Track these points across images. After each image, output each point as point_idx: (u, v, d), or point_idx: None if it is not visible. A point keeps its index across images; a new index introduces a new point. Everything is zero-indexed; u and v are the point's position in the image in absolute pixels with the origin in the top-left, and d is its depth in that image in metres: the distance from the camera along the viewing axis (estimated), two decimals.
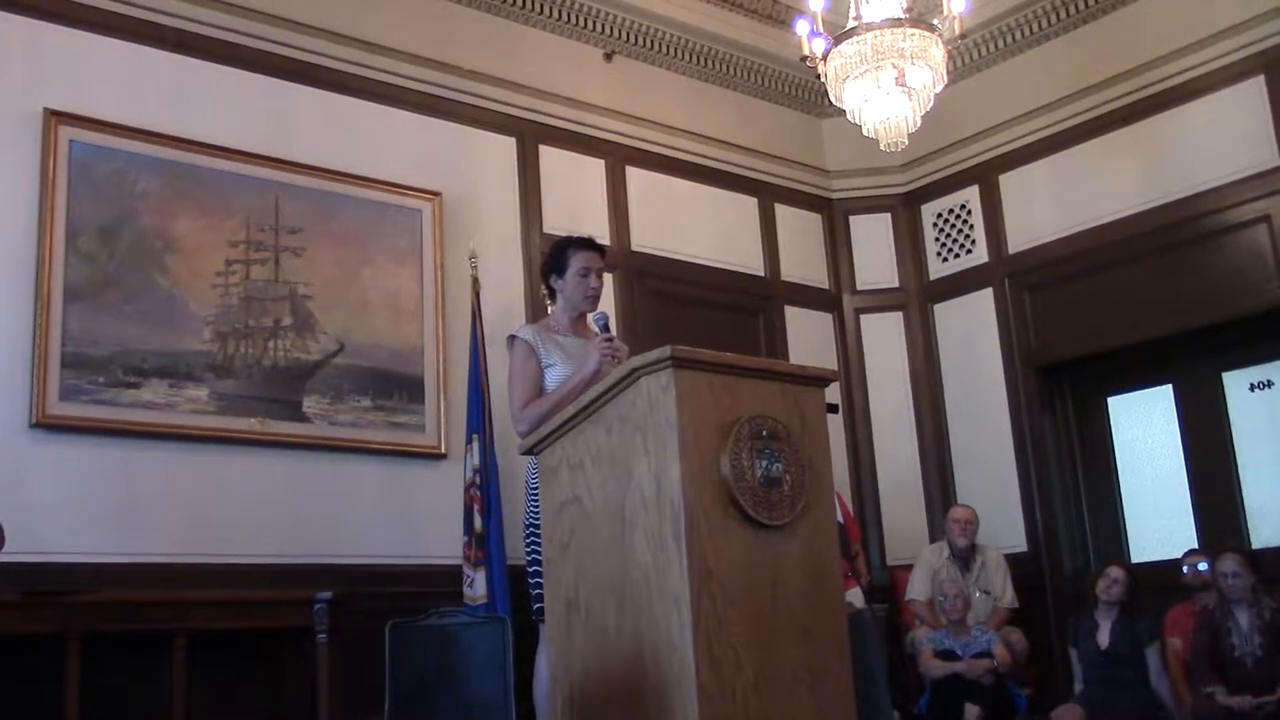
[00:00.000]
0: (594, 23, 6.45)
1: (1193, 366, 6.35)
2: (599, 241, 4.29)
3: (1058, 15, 6.62)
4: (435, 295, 5.56)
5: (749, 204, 7.05)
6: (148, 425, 4.69)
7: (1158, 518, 6.45)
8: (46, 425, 4.48)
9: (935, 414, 7.11)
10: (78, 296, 4.64)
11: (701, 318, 6.51)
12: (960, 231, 7.14)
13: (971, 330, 7.01)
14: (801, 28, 5.17)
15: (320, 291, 5.26)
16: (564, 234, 4.56)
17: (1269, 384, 6.10)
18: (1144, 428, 6.59)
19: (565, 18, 6.35)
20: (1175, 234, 6.14)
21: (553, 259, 4.19)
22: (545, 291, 4.35)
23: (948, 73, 5.17)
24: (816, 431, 3.11)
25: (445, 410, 5.45)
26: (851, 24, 5.02)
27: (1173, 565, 5.76)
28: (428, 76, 5.81)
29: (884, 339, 7.27)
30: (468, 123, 5.94)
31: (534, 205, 6.06)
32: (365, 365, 5.31)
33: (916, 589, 6.26)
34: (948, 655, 5.73)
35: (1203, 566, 5.49)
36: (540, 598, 3.41)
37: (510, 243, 5.94)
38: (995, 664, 5.63)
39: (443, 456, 5.41)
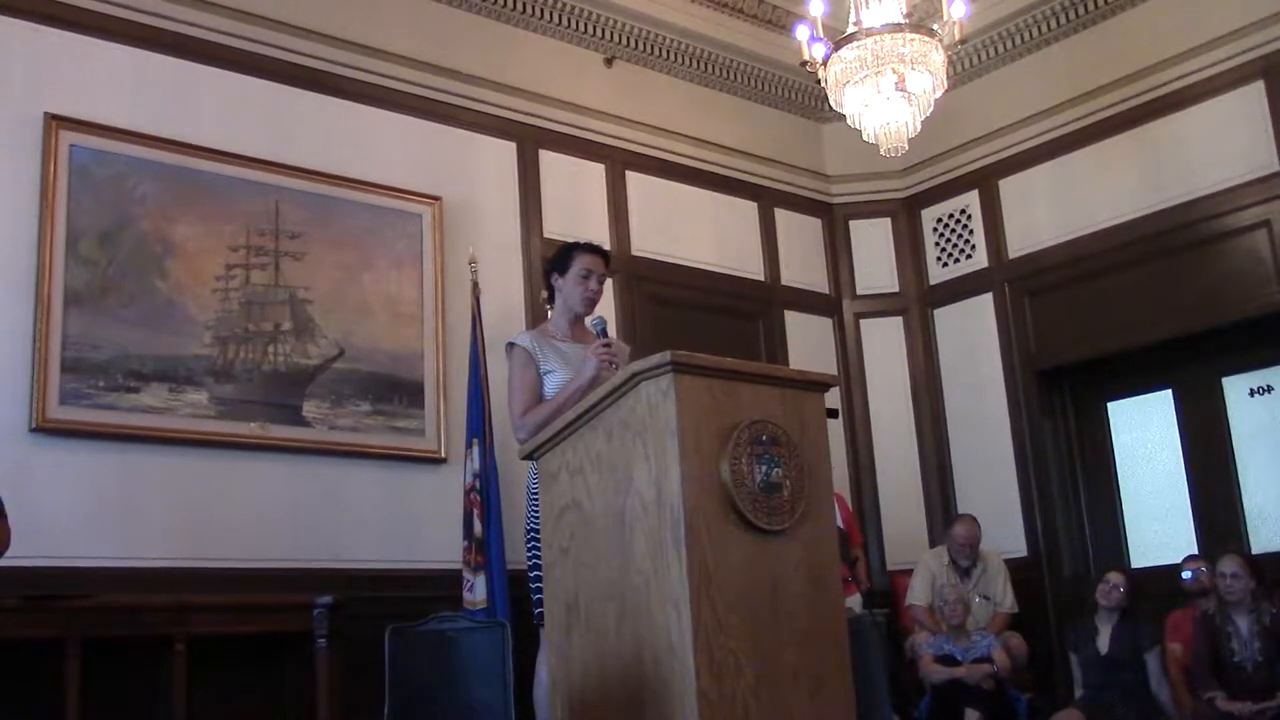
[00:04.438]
0: (594, 27, 6.45)
1: (1192, 371, 6.35)
2: (605, 249, 4.30)
3: (1058, 20, 6.63)
4: (435, 299, 5.56)
5: (749, 208, 7.05)
6: (148, 429, 4.69)
7: (1157, 522, 6.45)
8: (47, 429, 4.48)
9: (935, 419, 7.11)
10: (78, 301, 4.64)
11: (701, 322, 6.50)
12: (960, 236, 7.14)
13: (971, 335, 7.01)
14: (801, 33, 5.17)
15: (320, 296, 5.26)
16: (567, 239, 4.56)
17: (1269, 389, 6.10)
18: (1144, 432, 6.59)
19: (565, 22, 6.35)
20: (1175, 239, 6.15)
21: (557, 258, 4.20)
22: (546, 292, 4.35)
23: (948, 78, 5.17)
24: (816, 437, 3.11)
25: (445, 415, 5.45)
26: (851, 29, 5.02)
27: (1172, 570, 5.75)
28: (428, 81, 5.81)
29: (884, 344, 7.27)
30: (468, 127, 5.94)
31: (534, 210, 6.06)
32: (365, 370, 5.31)
33: (916, 594, 6.25)
34: (948, 660, 5.73)
35: (1203, 571, 5.49)
36: (540, 602, 3.41)
37: (510, 247, 5.94)
38: (995, 669, 5.63)
39: (443, 461, 5.41)
